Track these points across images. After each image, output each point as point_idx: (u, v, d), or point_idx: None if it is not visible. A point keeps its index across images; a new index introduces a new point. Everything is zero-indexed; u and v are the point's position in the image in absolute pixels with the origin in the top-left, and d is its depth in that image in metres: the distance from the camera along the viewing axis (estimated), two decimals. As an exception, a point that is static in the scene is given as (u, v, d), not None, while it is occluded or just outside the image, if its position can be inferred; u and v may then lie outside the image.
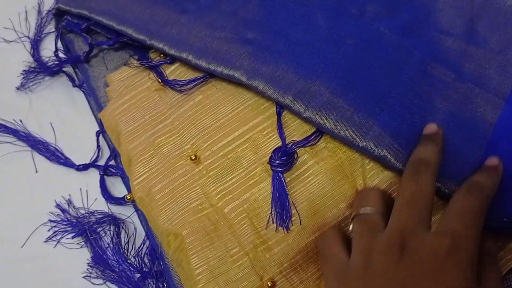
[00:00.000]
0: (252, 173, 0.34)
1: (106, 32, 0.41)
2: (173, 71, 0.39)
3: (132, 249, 0.37)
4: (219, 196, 0.33)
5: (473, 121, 0.34)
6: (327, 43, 0.37)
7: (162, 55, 0.39)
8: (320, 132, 0.35)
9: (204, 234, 0.32)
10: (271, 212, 0.33)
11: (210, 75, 0.37)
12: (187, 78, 0.37)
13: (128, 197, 0.36)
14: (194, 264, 0.31)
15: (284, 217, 0.32)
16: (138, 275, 0.35)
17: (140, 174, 0.35)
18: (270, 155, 0.34)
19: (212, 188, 0.33)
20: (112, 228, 0.37)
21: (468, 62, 0.36)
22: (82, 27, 0.41)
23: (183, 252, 0.31)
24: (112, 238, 0.37)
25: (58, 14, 0.42)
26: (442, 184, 0.31)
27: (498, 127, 0.34)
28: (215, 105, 0.36)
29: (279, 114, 0.35)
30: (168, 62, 0.39)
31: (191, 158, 0.34)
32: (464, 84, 0.35)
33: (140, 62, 0.39)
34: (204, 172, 0.34)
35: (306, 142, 0.35)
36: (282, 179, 0.33)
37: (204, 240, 0.31)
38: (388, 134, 0.33)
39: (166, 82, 0.38)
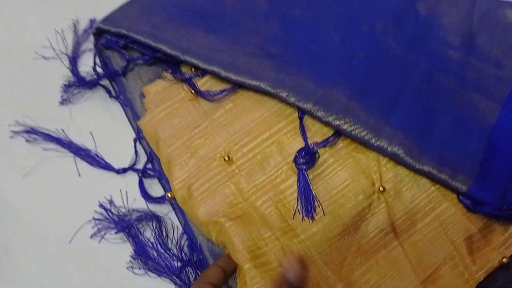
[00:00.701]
0: (279, 172, 0.38)
1: (142, 48, 0.45)
2: (204, 83, 0.43)
3: (171, 242, 0.41)
4: (250, 192, 0.38)
5: (475, 122, 0.38)
6: (342, 56, 0.42)
7: (193, 69, 0.44)
8: (338, 133, 0.39)
9: (240, 221, 0.36)
10: (297, 205, 0.37)
11: (238, 86, 0.42)
12: (218, 89, 0.42)
13: (169, 195, 0.40)
14: (237, 243, 0.35)
15: (309, 209, 0.36)
16: (178, 264, 0.39)
17: (180, 174, 0.39)
18: (294, 155, 0.38)
19: (245, 185, 0.38)
20: (153, 223, 0.41)
21: (468, 71, 0.41)
22: (120, 44, 0.45)
23: (225, 235, 0.36)
24: (155, 231, 0.41)
25: (98, 33, 0.46)
26: (450, 176, 0.36)
27: (496, 128, 0.38)
28: (244, 112, 0.40)
29: (301, 119, 0.40)
30: (200, 75, 0.43)
31: (224, 159, 0.38)
32: (466, 90, 0.40)
33: (174, 75, 0.44)
34: (237, 171, 0.38)
35: (326, 143, 0.39)
36: (306, 176, 0.37)
37: (240, 225, 0.36)
38: (399, 133, 0.37)
39: (199, 93, 0.42)
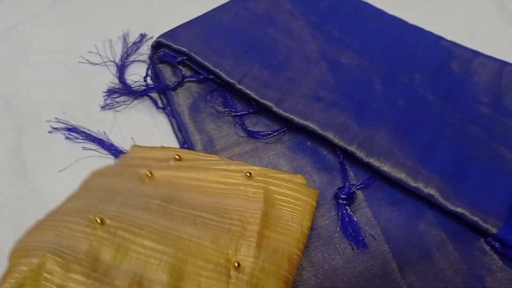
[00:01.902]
0: None
1: (197, 67, 0.48)
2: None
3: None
4: None
5: (503, 172, 0.42)
6: (383, 102, 0.45)
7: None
8: (373, 177, 0.43)
9: None
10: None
11: (287, 129, 0.45)
12: (267, 130, 0.46)
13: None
14: None
15: (359, 239, 0.40)
16: None
17: None
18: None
19: None
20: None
21: (497, 126, 0.45)
22: (178, 60, 0.47)
23: None
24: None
25: (156, 46, 0.49)
26: (481, 219, 0.39)
27: (521, 178, 0.42)
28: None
29: (342, 163, 0.43)
30: (252, 111, 0.46)
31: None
32: (495, 143, 0.43)
33: (227, 110, 0.46)
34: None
35: (363, 184, 0.42)
36: (349, 210, 0.41)
37: None
38: (435, 177, 0.40)
39: (248, 132, 0.45)
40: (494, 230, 0.38)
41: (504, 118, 0.45)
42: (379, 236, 0.40)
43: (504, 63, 0.49)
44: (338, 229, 0.41)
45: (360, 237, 0.40)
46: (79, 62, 0.54)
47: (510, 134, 0.44)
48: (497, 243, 0.39)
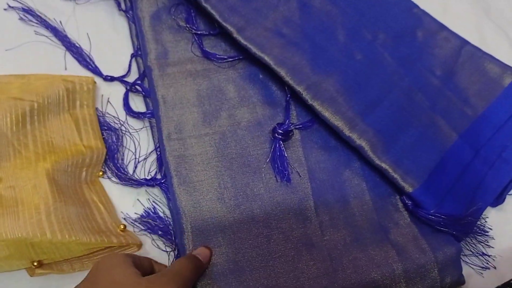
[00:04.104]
0: None
1: (168, -24, 0.46)
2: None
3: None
4: None
5: (434, 142, 0.43)
6: (341, 53, 0.46)
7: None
8: (313, 120, 0.44)
9: None
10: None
11: (243, 58, 0.46)
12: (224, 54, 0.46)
13: None
14: None
15: (284, 173, 0.41)
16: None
17: None
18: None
19: None
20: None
21: (441, 99, 0.46)
22: (149, -36, 0.46)
23: None
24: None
25: None
26: (401, 177, 0.41)
27: (449, 152, 0.43)
28: None
29: (288, 101, 0.44)
30: (212, 33, 0.46)
31: None
32: (435, 113, 0.45)
33: (188, 26, 0.45)
34: None
35: (301, 125, 0.44)
36: (282, 146, 0.42)
37: None
38: (370, 131, 0.42)
39: (205, 53, 0.45)
40: (409, 189, 0.40)
41: (450, 93, 0.47)
42: (304, 175, 0.42)
43: (465, 42, 0.49)
44: (268, 160, 0.42)
45: (286, 172, 0.41)
46: None
47: (451, 108, 0.46)
48: (409, 202, 0.41)
